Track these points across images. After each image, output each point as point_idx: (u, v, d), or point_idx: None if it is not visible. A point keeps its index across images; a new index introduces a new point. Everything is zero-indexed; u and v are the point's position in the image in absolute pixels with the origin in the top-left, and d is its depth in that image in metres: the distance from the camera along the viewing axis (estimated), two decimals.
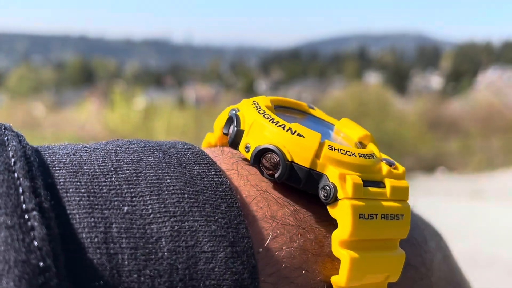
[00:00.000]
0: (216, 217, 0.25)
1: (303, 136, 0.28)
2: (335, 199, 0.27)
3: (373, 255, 0.28)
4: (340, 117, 0.35)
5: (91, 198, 0.23)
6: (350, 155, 0.29)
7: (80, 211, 0.23)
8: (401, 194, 0.30)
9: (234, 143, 0.30)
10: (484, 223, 4.22)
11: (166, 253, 0.23)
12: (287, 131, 0.29)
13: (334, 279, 0.27)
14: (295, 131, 0.28)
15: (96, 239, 0.22)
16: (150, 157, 0.27)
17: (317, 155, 0.28)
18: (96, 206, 0.23)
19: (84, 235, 0.22)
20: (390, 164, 0.31)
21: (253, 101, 0.32)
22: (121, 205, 0.24)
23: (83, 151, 0.26)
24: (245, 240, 0.25)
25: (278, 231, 0.27)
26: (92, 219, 0.23)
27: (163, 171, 0.26)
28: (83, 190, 0.24)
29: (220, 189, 0.27)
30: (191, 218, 0.25)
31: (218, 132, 0.33)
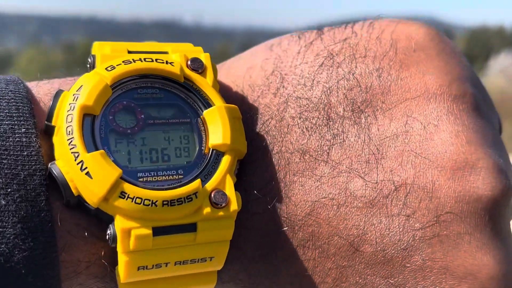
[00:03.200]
0: (9, 190, 0.22)
1: (92, 178, 0.24)
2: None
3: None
4: None
5: None
6: (148, 205, 0.25)
7: None
8: (215, 237, 0.27)
9: (47, 134, 0.26)
10: None
11: None
12: (78, 164, 0.24)
13: None
14: (85, 168, 0.24)
15: None
16: None
17: (106, 199, 0.25)
18: None
19: None
20: (218, 203, 0.27)
21: (78, 88, 0.26)
22: None
23: None
24: (42, 214, 0.23)
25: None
26: None
27: None
28: None
29: (25, 153, 0.23)
30: None
31: None
